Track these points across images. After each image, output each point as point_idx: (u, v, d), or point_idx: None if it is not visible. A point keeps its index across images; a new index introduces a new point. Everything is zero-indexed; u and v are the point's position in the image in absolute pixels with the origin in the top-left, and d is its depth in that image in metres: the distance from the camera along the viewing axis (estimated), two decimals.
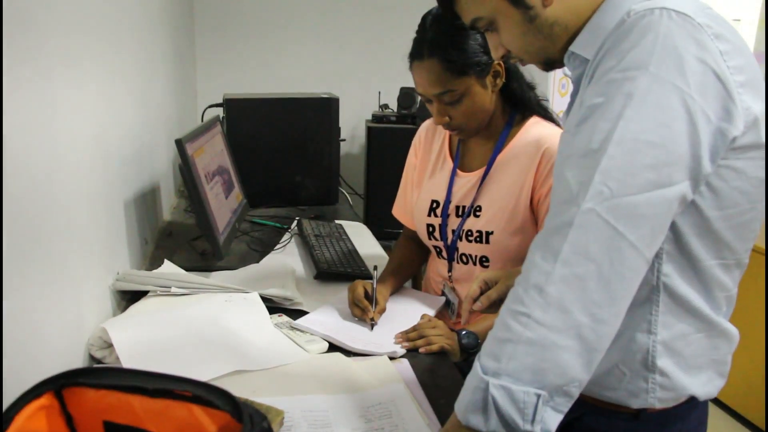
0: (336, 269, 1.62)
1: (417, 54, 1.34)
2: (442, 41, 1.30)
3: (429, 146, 1.58)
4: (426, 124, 1.61)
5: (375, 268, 1.43)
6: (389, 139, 3.05)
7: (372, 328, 1.33)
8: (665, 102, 0.76)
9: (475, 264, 1.46)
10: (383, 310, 1.38)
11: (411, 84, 1.42)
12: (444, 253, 1.51)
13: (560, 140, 0.97)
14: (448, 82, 1.32)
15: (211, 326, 1.25)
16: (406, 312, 1.40)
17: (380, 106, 3.26)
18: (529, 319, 0.76)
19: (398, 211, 1.69)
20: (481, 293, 1.13)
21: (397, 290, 1.52)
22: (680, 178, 0.78)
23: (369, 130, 3.10)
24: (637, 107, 0.76)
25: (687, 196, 0.80)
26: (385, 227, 2.77)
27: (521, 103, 1.43)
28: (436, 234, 1.50)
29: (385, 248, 1.89)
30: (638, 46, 0.78)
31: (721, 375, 0.96)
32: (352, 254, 1.76)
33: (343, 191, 2.62)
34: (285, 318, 1.36)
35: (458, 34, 1.30)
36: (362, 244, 1.87)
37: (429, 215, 1.52)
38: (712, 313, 0.90)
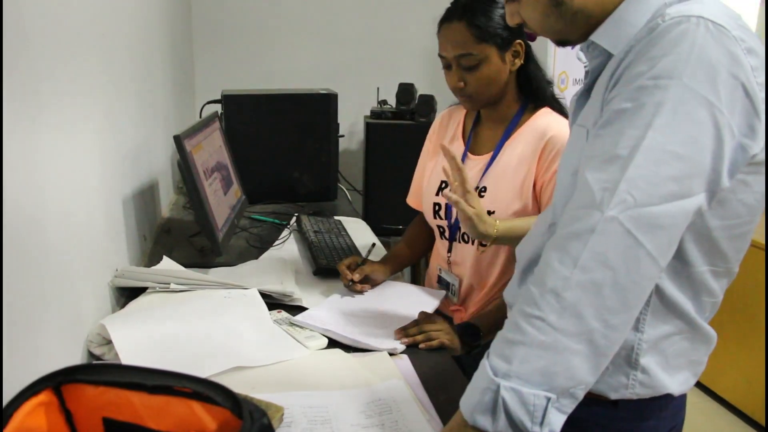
0: (335, 265, 1.62)
1: (448, 17, 1.41)
2: (473, 6, 1.38)
3: (444, 132, 1.63)
4: (442, 113, 1.66)
5: (373, 245, 1.56)
6: (388, 135, 3.04)
7: (351, 283, 1.46)
8: (695, 115, 0.76)
9: (473, 243, 1.49)
10: (363, 278, 1.48)
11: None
12: (447, 233, 1.55)
13: (571, 132, 0.97)
14: (470, 46, 1.38)
15: (211, 323, 1.25)
16: (405, 308, 1.41)
17: (379, 102, 3.25)
18: (544, 323, 0.77)
19: (413, 199, 1.72)
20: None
21: (401, 268, 1.61)
22: (699, 190, 0.78)
23: (368, 126, 3.09)
24: (668, 118, 0.76)
25: (702, 207, 0.80)
26: (384, 223, 2.76)
27: (536, 92, 1.47)
28: (442, 213, 1.55)
29: (384, 244, 1.89)
30: (672, 54, 0.77)
31: (695, 375, 0.98)
32: (351, 250, 1.75)
33: (342, 187, 2.62)
34: (284, 314, 1.36)
35: (489, 3, 1.38)
36: (361, 240, 1.87)
37: (437, 194, 1.55)
38: (697, 316, 0.92)
